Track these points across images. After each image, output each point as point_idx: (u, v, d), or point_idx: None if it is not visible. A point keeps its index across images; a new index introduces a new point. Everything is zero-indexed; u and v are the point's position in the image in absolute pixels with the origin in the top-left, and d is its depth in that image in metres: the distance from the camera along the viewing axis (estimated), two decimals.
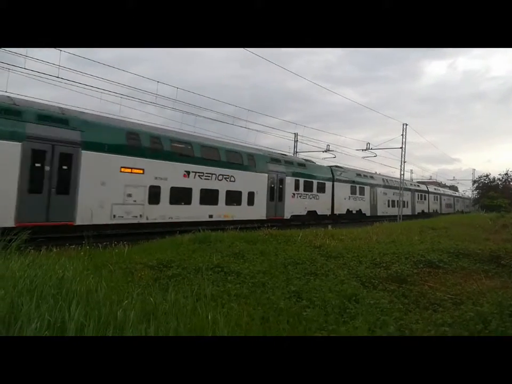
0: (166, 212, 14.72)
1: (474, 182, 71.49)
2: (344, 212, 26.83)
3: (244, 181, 18.47)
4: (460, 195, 70.48)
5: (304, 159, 26.26)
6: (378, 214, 31.76)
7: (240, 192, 18.24)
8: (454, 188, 76.94)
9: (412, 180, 56.64)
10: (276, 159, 21.43)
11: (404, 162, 33.53)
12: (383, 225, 19.53)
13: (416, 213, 39.61)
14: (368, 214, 30.34)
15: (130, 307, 4.08)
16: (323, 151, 33.39)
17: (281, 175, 21.09)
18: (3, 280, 4.38)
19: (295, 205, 21.86)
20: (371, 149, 34.20)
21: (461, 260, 9.05)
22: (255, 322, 4.78)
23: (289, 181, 21.67)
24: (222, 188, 17.22)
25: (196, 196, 15.95)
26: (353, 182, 28.69)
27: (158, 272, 7.44)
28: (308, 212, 22.96)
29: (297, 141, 34.36)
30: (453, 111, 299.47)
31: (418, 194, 41.89)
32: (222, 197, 17.12)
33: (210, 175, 16.71)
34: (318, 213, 23.86)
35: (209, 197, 16.55)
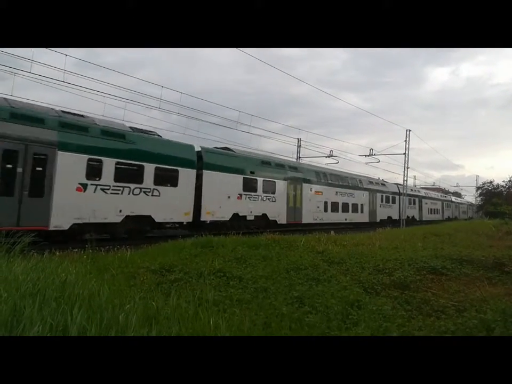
0: None
1: (478, 188, 71.42)
2: (227, 217, 17.34)
3: None
4: (453, 199, 62.02)
5: (132, 127, 14.94)
6: (304, 222, 22.28)
7: None
8: (457, 194, 76.48)
9: (415, 186, 53.48)
10: (25, 116, 11.06)
11: (407, 168, 33.46)
12: (386, 231, 19.50)
13: (379, 220, 30.61)
14: (282, 221, 20.60)
15: (132, 311, 4.07)
16: (326, 157, 33.41)
17: (42, 148, 11.26)
18: (6, 283, 4.39)
19: (88, 205, 12.29)
20: (374, 154, 34.28)
21: (464, 267, 8.98)
22: (257, 328, 4.76)
23: (70, 161, 11.83)
24: None
25: None
26: (251, 172, 19.09)
27: (160, 276, 7.45)
28: (127, 217, 13.38)
29: (300, 146, 34.41)
30: (456, 117, 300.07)
31: (382, 196, 32.19)
32: None
33: None
34: (156, 220, 14.42)
35: None
